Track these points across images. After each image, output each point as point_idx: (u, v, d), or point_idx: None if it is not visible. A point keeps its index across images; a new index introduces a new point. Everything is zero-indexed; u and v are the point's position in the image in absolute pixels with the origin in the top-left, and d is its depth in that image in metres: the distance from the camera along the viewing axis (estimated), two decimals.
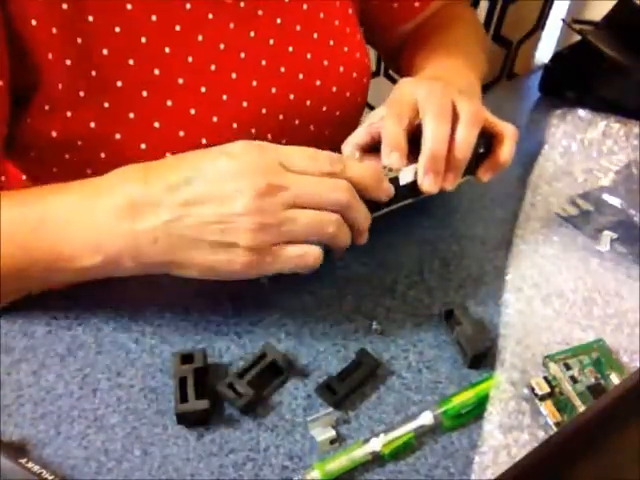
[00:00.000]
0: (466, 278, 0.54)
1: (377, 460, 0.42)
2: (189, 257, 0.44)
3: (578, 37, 0.75)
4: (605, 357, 0.47)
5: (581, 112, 0.69)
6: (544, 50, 1.13)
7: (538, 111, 0.76)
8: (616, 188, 0.62)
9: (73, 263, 0.45)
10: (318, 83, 0.65)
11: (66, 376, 0.46)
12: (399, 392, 0.46)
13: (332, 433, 0.43)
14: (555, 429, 0.43)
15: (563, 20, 0.97)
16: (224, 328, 0.49)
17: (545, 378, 0.45)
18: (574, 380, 0.45)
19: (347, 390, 0.45)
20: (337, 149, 0.52)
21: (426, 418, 0.43)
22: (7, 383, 0.45)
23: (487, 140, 0.54)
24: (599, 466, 0.30)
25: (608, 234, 0.57)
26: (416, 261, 0.55)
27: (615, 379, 0.46)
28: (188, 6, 0.56)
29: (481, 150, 0.53)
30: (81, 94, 0.53)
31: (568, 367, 0.46)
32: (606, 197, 0.61)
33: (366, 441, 0.42)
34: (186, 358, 0.45)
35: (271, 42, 0.61)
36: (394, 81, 1.15)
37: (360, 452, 0.41)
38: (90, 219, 0.44)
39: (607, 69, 0.72)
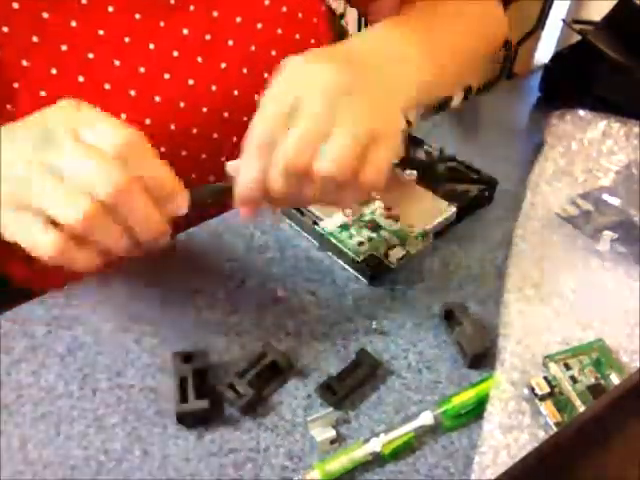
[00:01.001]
0: (466, 278, 0.54)
1: (377, 460, 0.42)
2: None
3: (578, 37, 0.75)
4: (605, 357, 0.47)
5: (581, 112, 0.69)
6: (544, 50, 1.13)
7: (538, 111, 0.76)
8: (616, 188, 0.62)
9: None
10: (266, 76, 0.60)
11: (66, 376, 0.46)
12: (399, 392, 0.46)
13: (332, 433, 0.43)
14: (555, 429, 0.43)
15: (563, 20, 0.98)
16: (224, 328, 0.49)
17: (545, 378, 0.45)
18: (574, 380, 0.45)
19: (347, 390, 0.45)
20: None
21: (426, 418, 0.43)
22: (7, 383, 0.45)
23: None
24: (599, 466, 0.30)
25: (608, 234, 0.57)
26: (416, 261, 0.55)
27: (615, 379, 0.46)
28: (111, 9, 0.54)
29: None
30: (42, 93, 0.52)
31: (568, 367, 0.46)
32: (606, 197, 0.61)
33: (366, 441, 0.42)
34: (186, 358, 0.45)
35: (207, 38, 0.59)
36: None
37: (360, 452, 0.41)
38: None
39: (607, 69, 0.72)
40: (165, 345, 0.48)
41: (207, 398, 0.43)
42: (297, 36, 0.63)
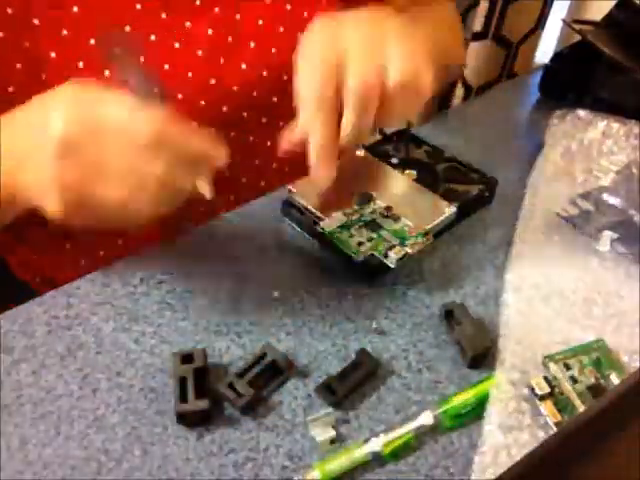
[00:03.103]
0: (466, 278, 0.54)
1: (377, 460, 0.42)
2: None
3: (578, 37, 0.75)
4: (605, 357, 0.47)
5: (581, 112, 0.69)
6: (544, 50, 1.13)
7: (538, 111, 0.76)
8: (616, 188, 0.62)
9: None
10: (285, 78, 0.60)
11: (66, 376, 0.46)
12: (399, 392, 0.46)
13: (332, 433, 0.43)
14: (555, 429, 0.43)
15: (563, 20, 0.98)
16: (224, 328, 0.49)
17: (545, 378, 0.45)
18: (574, 380, 0.45)
19: (347, 390, 0.45)
20: None
21: (426, 418, 0.43)
22: (7, 383, 0.45)
23: None
24: (599, 466, 0.30)
25: (608, 234, 0.57)
26: (416, 261, 0.55)
27: (615, 379, 0.46)
28: (138, 6, 0.55)
29: None
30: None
31: (568, 367, 0.46)
32: (606, 197, 0.61)
33: (366, 441, 0.42)
34: (186, 358, 0.45)
35: (230, 39, 0.60)
36: None
37: (360, 452, 0.41)
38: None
39: (607, 69, 0.72)
40: (165, 345, 0.48)
41: (207, 398, 0.43)
42: (305, 14, 0.64)
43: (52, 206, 0.41)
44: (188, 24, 0.58)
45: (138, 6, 0.55)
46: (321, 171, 0.47)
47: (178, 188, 0.43)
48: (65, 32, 0.52)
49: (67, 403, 0.44)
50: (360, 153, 0.63)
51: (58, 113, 0.41)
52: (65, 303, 0.50)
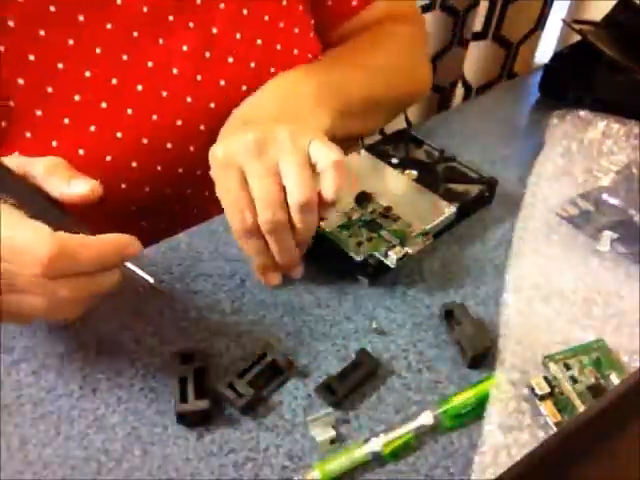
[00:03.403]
0: (466, 278, 0.54)
1: (377, 460, 0.42)
2: None
3: (578, 37, 0.75)
4: (605, 357, 0.47)
5: (581, 112, 0.69)
6: (544, 50, 1.13)
7: (538, 111, 0.76)
8: (616, 188, 0.62)
9: None
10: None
11: (66, 376, 0.46)
12: (399, 392, 0.46)
13: (332, 433, 0.43)
14: (555, 429, 0.43)
15: (563, 20, 0.98)
16: (224, 328, 0.49)
17: (545, 378, 0.45)
18: (574, 380, 0.45)
19: (347, 390, 0.45)
20: None
21: (426, 418, 0.43)
22: (7, 383, 0.45)
23: None
24: (599, 466, 0.30)
25: (608, 234, 0.57)
26: (416, 261, 0.55)
27: (615, 379, 0.46)
28: (109, 26, 0.54)
29: None
30: (38, 113, 0.52)
31: (568, 367, 0.46)
32: (606, 197, 0.61)
33: (366, 441, 0.42)
34: (186, 358, 0.45)
35: (207, 55, 0.58)
36: None
37: (360, 452, 0.41)
38: None
39: (607, 69, 0.72)
40: (165, 345, 0.48)
41: (207, 398, 0.43)
42: (295, 51, 0.63)
43: None
44: (161, 41, 0.56)
45: (108, 26, 0.54)
46: (271, 279, 0.52)
47: (93, 294, 0.42)
48: (32, 57, 0.51)
49: (67, 403, 0.44)
50: (360, 153, 0.63)
51: None
52: None
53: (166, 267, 0.53)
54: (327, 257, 0.55)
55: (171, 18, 0.56)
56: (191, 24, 0.57)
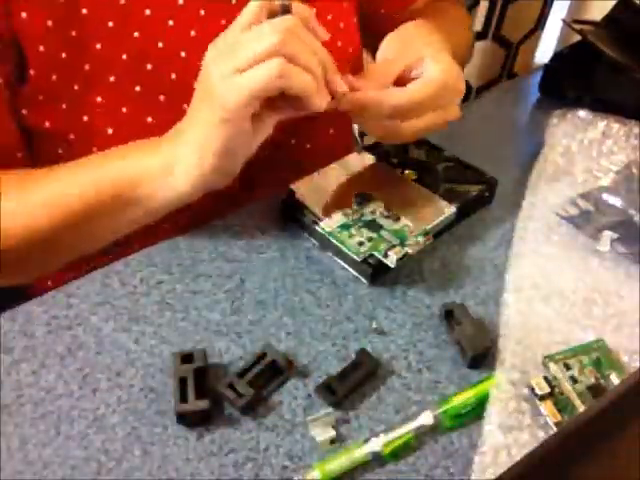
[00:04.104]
0: (466, 278, 0.54)
1: (377, 460, 0.42)
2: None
3: (578, 37, 0.75)
4: (605, 357, 0.47)
5: (581, 112, 0.69)
6: (544, 50, 1.13)
7: (538, 111, 0.76)
8: (616, 188, 0.62)
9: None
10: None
11: (66, 376, 0.46)
12: (399, 392, 0.46)
13: (332, 433, 0.43)
14: (555, 429, 0.43)
15: (563, 20, 0.98)
16: (224, 328, 0.49)
17: (545, 378, 0.45)
18: (574, 380, 0.45)
19: (347, 390, 0.45)
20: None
21: (426, 418, 0.43)
22: (7, 383, 0.45)
23: None
24: (599, 466, 0.30)
25: (608, 234, 0.57)
26: (416, 261, 0.55)
27: (615, 379, 0.46)
28: (181, 2, 0.56)
29: None
30: (75, 87, 0.54)
31: (568, 367, 0.46)
32: (606, 197, 0.61)
33: (366, 441, 0.42)
34: (186, 358, 0.45)
35: None
36: None
37: (360, 452, 0.41)
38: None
39: (607, 69, 0.72)
40: (165, 345, 0.48)
41: (207, 398, 0.43)
42: (339, 43, 0.66)
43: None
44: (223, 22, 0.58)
45: (192, 33, 0.57)
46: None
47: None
48: (111, 24, 0.53)
49: (67, 403, 0.44)
50: (360, 153, 0.63)
51: None
52: (65, 303, 0.50)
53: (166, 267, 0.53)
54: (327, 257, 0.55)
55: (233, 2, 0.59)
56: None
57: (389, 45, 0.56)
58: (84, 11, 0.52)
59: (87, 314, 0.50)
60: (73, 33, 0.53)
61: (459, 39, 0.72)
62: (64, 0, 0.51)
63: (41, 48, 0.52)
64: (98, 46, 0.54)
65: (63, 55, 0.53)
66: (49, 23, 0.51)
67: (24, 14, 0.50)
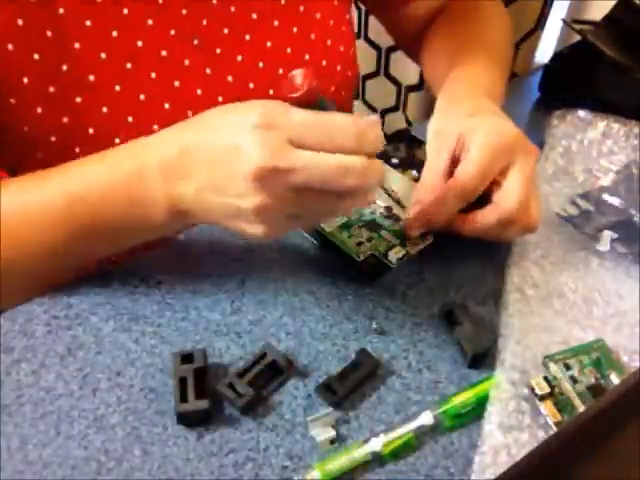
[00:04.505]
0: (466, 278, 0.54)
1: (377, 460, 0.42)
2: (215, 221, 0.46)
3: (578, 37, 0.75)
4: (605, 357, 0.47)
5: (581, 112, 0.69)
6: (544, 50, 1.13)
7: (538, 111, 0.76)
8: (616, 188, 0.62)
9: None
10: None
11: (66, 376, 0.46)
12: (399, 392, 0.46)
13: (332, 433, 0.43)
14: (555, 429, 0.43)
15: (563, 20, 0.97)
16: (224, 328, 0.49)
17: (545, 378, 0.45)
18: (574, 380, 0.45)
19: (347, 390, 0.45)
20: None
21: (426, 418, 0.43)
22: (7, 383, 0.45)
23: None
24: (599, 466, 0.30)
25: (608, 234, 0.57)
26: (416, 261, 0.55)
27: (615, 379, 0.46)
28: (160, 1, 0.56)
29: None
30: (51, 89, 0.53)
31: (568, 367, 0.46)
32: (606, 197, 0.61)
33: (366, 441, 0.42)
34: (186, 358, 0.45)
35: (247, 37, 0.61)
36: (393, 81, 1.15)
37: (360, 452, 0.41)
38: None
39: (607, 69, 0.72)
40: (165, 345, 0.48)
41: (207, 398, 0.43)
42: (329, 42, 0.66)
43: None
44: (218, 51, 0.59)
45: (172, 32, 0.56)
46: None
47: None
48: (89, 23, 0.53)
49: (67, 403, 0.44)
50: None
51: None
52: (65, 303, 0.50)
53: (166, 267, 0.53)
54: (327, 257, 0.55)
55: (226, 31, 0.59)
56: (232, 8, 0.59)
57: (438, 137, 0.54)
58: (61, 11, 0.51)
59: (87, 314, 0.50)
60: (49, 34, 0.51)
61: (499, 43, 0.72)
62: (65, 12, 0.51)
63: (10, 47, 0.50)
64: (77, 46, 0.53)
65: (36, 57, 0.51)
66: (20, 22, 0.50)
67: None
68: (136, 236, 0.49)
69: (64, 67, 0.53)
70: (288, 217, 0.44)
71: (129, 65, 0.55)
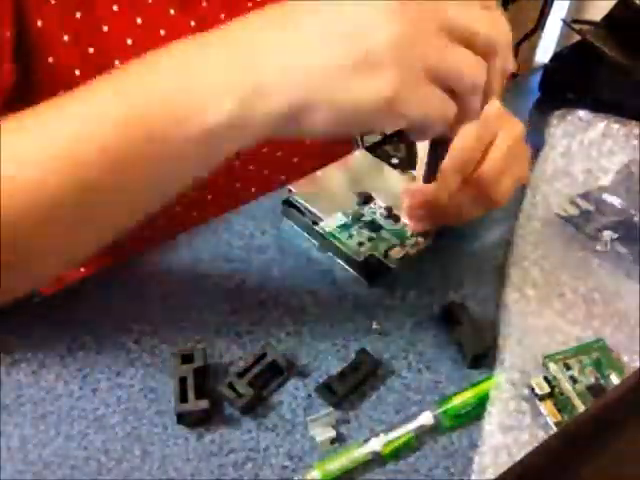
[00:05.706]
0: (466, 278, 0.54)
1: (377, 460, 0.42)
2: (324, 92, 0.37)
3: (578, 37, 0.75)
4: (605, 357, 0.47)
5: (581, 112, 0.69)
6: (544, 50, 1.13)
7: (538, 111, 0.76)
8: (616, 188, 0.62)
9: (192, 123, 0.37)
10: None
11: (66, 376, 0.46)
12: (399, 392, 0.46)
13: (332, 433, 0.43)
14: (555, 429, 0.43)
15: (563, 20, 0.98)
16: (224, 328, 0.49)
17: (545, 378, 0.45)
18: (574, 380, 0.45)
19: (347, 390, 0.45)
20: None
21: (426, 418, 0.43)
22: (7, 383, 0.45)
23: None
24: (599, 466, 0.30)
25: (608, 234, 0.57)
26: (416, 261, 0.55)
27: (615, 379, 0.46)
28: (150, 0, 0.55)
29: None
30: (77, 72, 0.53)
31: (568, 367, 0.46)
32: (606, 197, 0.61)
33: (366, 441, 0.42)
34: (186, 358, 0.45)
35: None
36: None
37: (360, 452, 0.41)
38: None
39: (607, 69, 0.72)
40: (165, 345, 0.48)
41: (207, 398, 0.43)
42: None
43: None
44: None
45: (192, 23, 0.56)
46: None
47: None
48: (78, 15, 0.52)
49: (67, 403, 0.44)
50: (360, 153, 0.63)
51: None
52: (65, 303, 0.50)
53: (166, 267, 0.53)
54: (327, 257, 0.55)
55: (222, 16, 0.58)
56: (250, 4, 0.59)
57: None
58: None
59: (87, 314, 0.50)
60: (78, 15, 0.51)
61: None
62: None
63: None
64: (105, 29, 0.53)
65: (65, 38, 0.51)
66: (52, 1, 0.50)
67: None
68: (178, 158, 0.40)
69: (90, 50, 0.53)
70: (427, 71, 0.37)
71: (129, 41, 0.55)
